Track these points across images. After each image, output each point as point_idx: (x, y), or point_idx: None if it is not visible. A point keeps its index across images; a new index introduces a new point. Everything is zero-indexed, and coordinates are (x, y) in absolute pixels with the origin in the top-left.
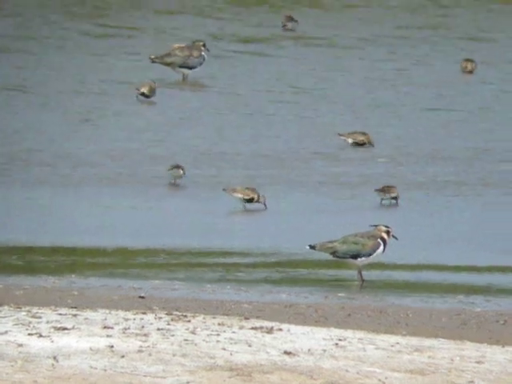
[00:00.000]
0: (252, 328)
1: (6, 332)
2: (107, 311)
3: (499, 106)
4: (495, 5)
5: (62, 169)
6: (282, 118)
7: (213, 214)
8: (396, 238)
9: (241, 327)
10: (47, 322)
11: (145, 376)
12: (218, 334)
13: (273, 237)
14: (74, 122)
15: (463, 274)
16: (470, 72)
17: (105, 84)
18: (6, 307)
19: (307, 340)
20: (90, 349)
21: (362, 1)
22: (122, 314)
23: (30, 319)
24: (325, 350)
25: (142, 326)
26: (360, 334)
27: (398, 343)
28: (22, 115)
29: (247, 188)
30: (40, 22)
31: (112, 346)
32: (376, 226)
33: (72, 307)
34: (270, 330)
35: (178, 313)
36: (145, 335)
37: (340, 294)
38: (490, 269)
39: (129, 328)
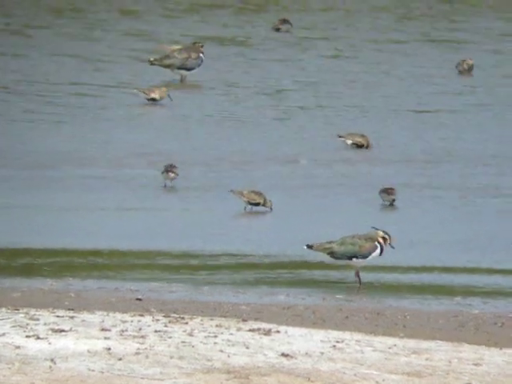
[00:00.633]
0: (250, 330)
1: (3, 334)
2: (104, 313)
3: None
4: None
5: (59, 171)
6: (281, 120)
7: (210, 215)
8: (393, 247)
9: (238, 329)
10: (45, 324)
11: (142, 378)
12: (216, 336)
13: (271, 239)
14: (70, 124)
15: (461, 276)
16: (468, 72)
17: (105, 87)
18: (3, 309)
19: (305, 342)
20: (88, 351)
21: (355, 3)
22: (119, 316)
23: (28, 321)
24: (322, 353)
25: (140, 328)
26: (358, 336)
27: (395, 345)
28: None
29: (253, 192)
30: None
31: (109, 349)
32: (377, 229)
33: (69, 309)
34: (267, 332)
35: (175, 315)
36: (142, 337)
37: (338, 296)
38: (488, 271)
39: (126, 330)
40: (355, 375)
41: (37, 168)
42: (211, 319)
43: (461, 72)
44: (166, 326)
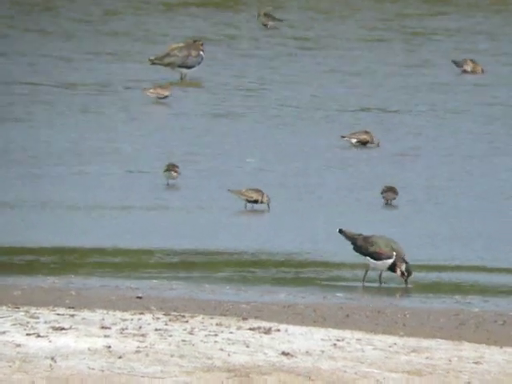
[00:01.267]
0: (250, 328)
1: (4, 332)
2: (105, 311)
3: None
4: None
5: (59, 169)
6: (281, 118)
7: (211, 214)
8: (406, 284)
9: (239, 328)
10: (45, 322)
11: (142, 377)
12: (216, 335)
13: (271, 237)
14: (70, 122)
15: (461, 274)
16: (473, 72)
17: (107, 85)
18: (4, 307)
19: (305, 341)
20: (88, 349)
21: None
22: (119, 314)
23: (28, 319)
24: (323, 351)
25: (140, 327)
26: (358, 335)
27: (395, 344)
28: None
29: (252, 189)
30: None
31: (110, 347)
32: (404, 256)
33: (70, 307)
34: (267, 331)
35: (175, 313)
36: (142, 336)
37: (338, 295)
38: (488, 269)
39: (126, 328)
40: (356, 374)
41: (37, 165)
42: (211, 317)
43: (465, 71)
44: (166, 324)
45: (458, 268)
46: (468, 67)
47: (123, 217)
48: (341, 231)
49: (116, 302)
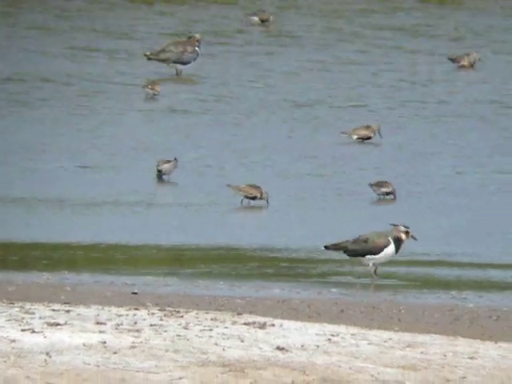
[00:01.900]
0: (245, 323)
1: None
2: (100, 307)
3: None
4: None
5: (54, 164)
6: (282, 115)
7: (206, 209)
8: (415, 239)
9: (233, 322)
10: (40, 318)
11: (137, 372)
12: (211, 330)
13: (266, 233)
14: (64, 118)
15: (456, 270)
16: (470, 67)
17: (103, 82)
18: None
19: (300, 335)
20: (83, 344)
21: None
22: (114, 309)
23: (23, 315)
24: (318, 346)
25: (135, 322)
26: (353, 330)
27: (390, 339)
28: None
29: (250, 185)
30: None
31: (105, 342)
32: (396, 225)
33: (65, 303)
34: (262, 326)
35: (170, 308)
36: (137, 331)
37: (333, 290)
38: (483, 265)
39: (121, 324)
40: (350, 368)
41: (31, 161)
42: (206, 313)
43: (462, 66)
44: (161, 319)
45: (453, 264)
46: (465, 62)
47: (118, 213)
48: (327, 247)
49: (111, 298)
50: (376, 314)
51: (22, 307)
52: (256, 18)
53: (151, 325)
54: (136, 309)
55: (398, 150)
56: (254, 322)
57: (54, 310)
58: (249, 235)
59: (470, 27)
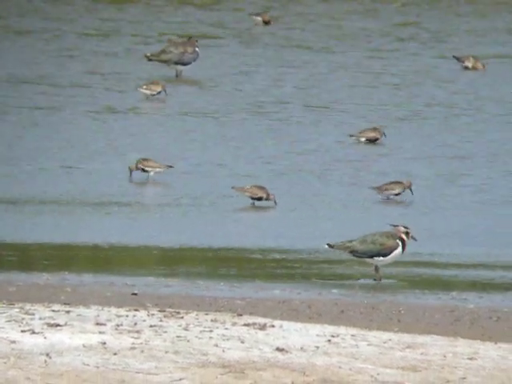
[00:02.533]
0: (245, 324)
1: None
2: (100, 308)
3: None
4: None
5: (53, 165)
6: (286, 116)
7: (205, 210)
8: (415, 239)
9: (233, 324)
10: (40, 319)
11: (137, 373)
12: (211, 331)
13: (267, 234)
14: (60, 118)
15: (456, 271)
16: (474, 68)
17: (104, 81)
18: None
19: (300, 337)
20: (83, 345)
21: None
22: (114, 310)
23: (23, 316)
24: (318, 347)
25: (135, 323)
26: (353, 331)
27: (390, 340)
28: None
29: (256, 186)
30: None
31: (104, 343)
32: (396, 225)
33: (65, 304)
34: (262, 327)
35: (170, 309)
36: (137, 332)
37: (333, 291)
38: (483, 265)
39: (121, 325)
40: (350, 369)
41: (30, 162)
42: (206, 314)
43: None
44: (161, 320)
45: (453, 264)
46: (469, 63)
47: (119, 213)
48: (330, 246)
49: (111, 299)
50: (376, 315)
51: (22, 308)
52: (259, 19)
53: (151, 326)
54: (136, 310)
55: (403, 150)
56: (254, 323)
57: (53, 311)
58: (249, 236)
59: (478, 26)
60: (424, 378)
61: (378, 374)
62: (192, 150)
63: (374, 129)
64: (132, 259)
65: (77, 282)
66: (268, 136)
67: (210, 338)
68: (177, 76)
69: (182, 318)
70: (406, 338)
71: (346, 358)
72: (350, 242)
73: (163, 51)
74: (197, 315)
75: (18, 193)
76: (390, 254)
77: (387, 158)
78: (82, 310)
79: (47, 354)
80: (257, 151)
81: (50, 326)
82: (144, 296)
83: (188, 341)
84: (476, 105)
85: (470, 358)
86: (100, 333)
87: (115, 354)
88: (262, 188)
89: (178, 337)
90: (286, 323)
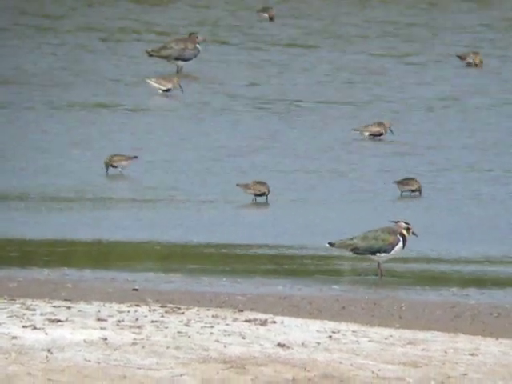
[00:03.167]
0: (246, 320)
1: None
2: (101, 303)
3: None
4: None
5: (54, 160)
6: (289, 112)
7: (206, 206)
8: (416, 235)
9: (235, 319)
10: (41, 314)
11: (138, 368)
12: (212, 327)
13: (268, 229)
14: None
15: (457, 267)
16: (476, 66)
17: (106, 79)
18: None
19: (301, 332)
20: (84, 341)
21: None
22: (115, 306)
23: (24, 311)
24: (319, 343)
25: (136, 319)
26: (354, 327)
27: (391, 336)
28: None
29: (258, 182)
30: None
31: (106, 339)
32: (396, 222)
33: (66, 299)
34: (263, 323)
35: (171, 305)
36: (138, 328)
37: (334, 287)
38: (484, 261)
39: (123, 320)
40: (351, 365)
41: (31, 156)
42: (207, 309)
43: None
44: (162, 316)
45: (454, 260)
46: (471, 60)
47: (120, 209)
48: (331, 244)
49: (112, 294)
50: (377, 311)
51: (23, 304)
52: (266, 15)
53: (152, 321)
54: (137, 305)
55: (409, 147)
56: (255, 319)
57: (55, 307)
58: (250, 232)
59: (481, 24)
60: (425, 373)
61: (379, 370)
62: (192, 145)
63: (380, 123)
64: (133, 255)
65: (78, 278)
66: (267, 131)
67: (211, 333)
68: (177, 72)
69: (183, 313)
70: (407, 334)
71: (347, 353)
72: (351, 239)
73: (164, 47)
74: (198, 311)
75: (19, 189)
76: (391, 249)
77: (389, 153)
78: (83, 305)
79: (48, 350)
80: (257, 147)
81: (51, 321)
82: (145, 292)
83: (189, 336)
84: (479, 100)
85: (471, 354)
86: (101, 328)
87: (116, 349)
88: (263, 184)
89: (179, 332)
90: (287, 319)
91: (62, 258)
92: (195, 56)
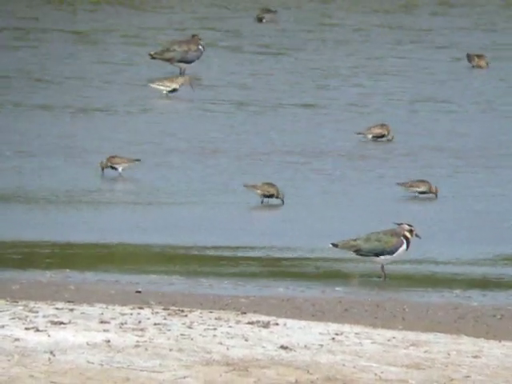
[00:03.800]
0: (249, 322)
1: (2, 326)
2: (104, 306)
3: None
4: None
5: (56, 162)
6: (295, 114)
7: (209, 209)
8: (419, 237)
9: (237, 322)
10: (44, 317)
11: (141, 371)
12: (215, 329)
13: (270, 232)
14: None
15: (460, 268)
16: (481, 67)
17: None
18: (2, 301)
19: (304, 335)
20: (87, 343)
21: None
22: (118, 308)
23: (27, 313)
24: (321, 345)
25: (139, 321)
26: (357, 329)
27: (394, 338)
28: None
29: (267, 184)
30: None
31: (109, 341)
32: (400, 224)
33: (69, 302)
34: (266, 325)
35: (174, 307)
36: (141, 330)
37: (337, 289)
38: (487, 263)
39: (125, 323)
40: (354, 367)
41: (34, 157)
42: (210, 312)
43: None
44: (165, 318)
45: (457, 262)
46: (474, 62)
47: (122, 211)
48: (334, 245)
49: (115, 297)
50: (380, 313)
51: (25, 306)
52: (268, 16)
53: (155, 324)
54: (140, 308)
55: (412, 148)
56: (257, 321)
57: (57, 309)
58: (253, 234)
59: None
60: (428, 376)
61: (381, 372)
62: (192, 146)
63: (382, 125)
64: (136, 257)
65: (80, 280)
66: (273, 133)
67: (214, 336)
68: (181, 74)
69: (186, 316)
70: (410, 335)
71: (349, 355)
72: (355, 240)
73: (167, 49)
74: (201, 313)
75: (21, 190)
76: (395, 252)
77: (393, 154)
78: (85, 308)
79: (51, 352)
80: (263, 148)
81: (54, 323)
82: (148, 294)
83: (192, 339)
84: (485, 101)
85: (474, 356)
86: (104, 331)
87: (119, 351)
88: (272, 185)
89: (182, 335)
90: (289, 321)
91: (64, 260)
92: (198, 58)
